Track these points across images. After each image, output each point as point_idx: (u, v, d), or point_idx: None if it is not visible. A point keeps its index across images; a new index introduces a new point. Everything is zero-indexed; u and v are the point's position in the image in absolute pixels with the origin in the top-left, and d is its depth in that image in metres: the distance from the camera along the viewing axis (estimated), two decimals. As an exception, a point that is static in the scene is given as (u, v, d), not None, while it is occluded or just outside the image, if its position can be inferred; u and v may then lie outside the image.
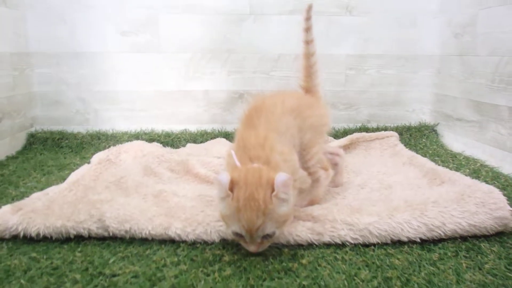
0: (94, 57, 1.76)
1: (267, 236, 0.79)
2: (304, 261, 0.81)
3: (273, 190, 0.77)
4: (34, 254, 0.83)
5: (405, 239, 0.88)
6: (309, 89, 1.15)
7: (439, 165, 1.45)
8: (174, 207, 0.97)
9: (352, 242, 0.88)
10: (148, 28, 1.75)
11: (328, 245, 0.88)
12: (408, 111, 1.93)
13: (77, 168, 1.29)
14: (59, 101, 1.79)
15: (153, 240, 0.90)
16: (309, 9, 1.14)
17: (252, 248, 0.80)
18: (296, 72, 1.82)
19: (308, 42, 1.15)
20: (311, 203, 1.04)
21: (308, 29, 1.14)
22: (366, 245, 0.88)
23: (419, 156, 1.41)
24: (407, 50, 1.87)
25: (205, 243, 0.89)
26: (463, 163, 1.45)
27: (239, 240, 0.81)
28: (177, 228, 0.89)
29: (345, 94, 1.89)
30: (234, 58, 1.81)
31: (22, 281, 0.74)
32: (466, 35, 1.60)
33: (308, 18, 1.13)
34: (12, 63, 1.60)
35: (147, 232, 0.89)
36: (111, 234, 0.89)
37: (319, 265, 0.80)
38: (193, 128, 1.83)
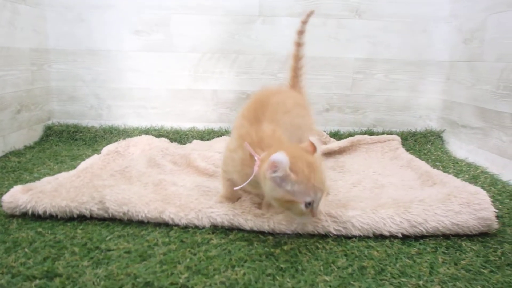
0: (109, 55, 1.85)
1: None
2: (286, 248, 0.85)
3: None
4: (40, 229, 0.91)
5: (387, 234, 0.92)
6: (295, 89, 1.20)
7: (439, 170, 1.47)
8: (171, 195, 1.03)
9: (334, 233, 0.92)
10: (161, 28, 1.84)
11: (312, 235, 0.92)
12: (415, 117, 1.94)
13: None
14: (75, 96, 1.89)
15: (148, 222, 0.96)
16: (310, 14, 1.19)
17: (319, 210, 0.84)
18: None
19: (299, 45, 1.20)
20: None
21: (301, 32, 1.19)
22: (348, 237, 0.92)
23: (417, 159, 1.43)
24: (416, 55, 1.88)
25: (196, 227, 0.94)
26: (463, 169, 1.46)
27: (304, 214, 0.82)
28: (171, 213, 0.95)
29: (351, 98, 1.92)
30: (242, 59, 1.87)
31: (26, 250, 0.82)
32: (474, 41, 1.61)
33: (305, 22, 1.19)
34: (31, 59, 1.71)
35: (143, 215, 0.95)
36: (110, 215, 0.96)
37: (300, 252, 0.84)
38: (201, 126, 1.90)
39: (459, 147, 1.71)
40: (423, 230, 0.92)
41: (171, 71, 1.88)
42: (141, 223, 0.96)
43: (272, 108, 0.98)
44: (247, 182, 0.87)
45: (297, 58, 1.21)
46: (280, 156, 0.76)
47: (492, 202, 1.12)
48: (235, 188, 0.92)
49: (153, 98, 1.90)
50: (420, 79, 1.90)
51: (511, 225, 1.01)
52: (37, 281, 0.71)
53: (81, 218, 0.97)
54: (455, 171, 1.45)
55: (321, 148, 1.27)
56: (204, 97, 1.91)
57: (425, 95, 1.92)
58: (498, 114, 1.46)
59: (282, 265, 0.78)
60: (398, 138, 1.66)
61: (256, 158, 0.86)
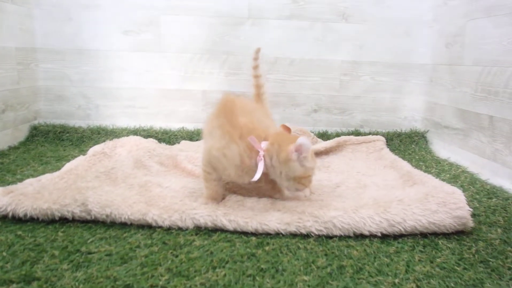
0: (98, 54, 1.85)
1: None
2: (268, 248, 0.87)
3: None
4: (20, 232, 0.91)
5: (367, 233, 0.94)
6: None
7: (422, 170, 1.50)
8: (155, 196, 1.04)
9: (316, 233, 0.94)
10: (150, 28, 1.84)
11: (294, 235, 0.94)
12: (400, 118, 1.97)
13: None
14: (62, 96, 1.89)
15: (132, 224, 0.97)
16: (258, 51, 1.30)
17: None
18: (292, 75, 1.91)
19: (257, 76, 1.29)
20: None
21: (256, 67, 1.29)
22: (329, 237, 0.94)
23: (400, 159, 1.46)
24: (401, 58, 1.92)
25: (180, 229, 0.95)
26: (445, 168, 1.50)
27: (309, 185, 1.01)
28: (154, 214, 0.96)
29: (339, 99, 1.95)
30: (232, 60, 1.89)
31: (5, 253, 0.81)
32: (456, 45, 1.65)
33: (256, 58, 1.29)
34: (17, 58, 1.70)
35: (126, 217, 0.96)
36: (93, 217, 0.96)
37: (281, 252, 0.86)
38: (190, 126, 1.91)
39: (442, 147, 1.75)
40: (402, 229, 0.94)
41: (160, 71, 1.88)
42: (124, 225, 0.97)
43: (241, 108, 1.06)
44: (259, 172, 0.96)
45: (258, 86, 1.30)
46: (305, 140, 0.92)
47: (470, 200, 1.16)
48: (253, 180, 0.97)
49: (142, 98, 1.90)
50: (404, 81, 1.94)
51: (487, 223, 1.04)
52: (14, 285, 0.71)
53: (63, 221, 0.97)
54: (437, 170, 1.48)
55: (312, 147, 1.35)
56: (194, 97, 1.92)
57: (409, 96, 1.95)
58: (477, 116, 1.49)
59: (263, 266, 0.80)
60: (383, 138, 1.69)
61: (259, 150, 0.97)
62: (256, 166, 0.97)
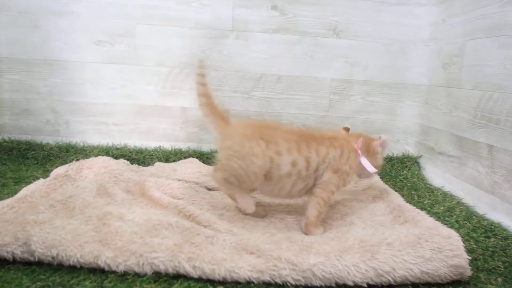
0: (68, 66, 1.72)
1: None
2: (235, 303, 0.75)
3: None
4: None
5: (351, 284, 0.82)
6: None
7: (415, 199, 1.40)
8: (113, 233, 0.92)
9: (293, 283, 0.82)
10: (125, 39, 1.72)
11: (268, 284, 0.82)
12: (392, 141, 1.86)
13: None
14: (29, 110, 1.75)
15: (82, 268, 0.84)
16: (202, 64, 1.19)
17: None
18: (278, 93, 1.80)
19: (204, 95, 1.18)
20: None
21: (203, 84, 1.17)
22: (308, 287, 0.82)
23: (391, 190, 1.35)
24: (395, 78, 1.82)
25: (137, 274, 0.83)
26: (439, 199, 1.39)
27: None
28: (107, 258, 0.83)
29: (328, 119, 1.84)
30: (214, 75, 1.77)
31: None
32: (453, 66, 1.55)
33: (201, 74, 1.18)
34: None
35: (75, 260, 0.83)
36: (37, 259, 0.84)
37: (250, 308, 0.74)
38: (168, 145, 1.79)
39: (436, 174, 1.64)
40: (391, 279, 0.83)
41: (136, 86, 1.76)
42: (74, 268, 0.84)
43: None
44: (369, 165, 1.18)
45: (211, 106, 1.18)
46: (387, 138, 1.22)
47: (466, 240, 1.05)
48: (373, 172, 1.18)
49: (115, 114, 1.77)
50: (398, 102, 1.84)
51: (485, 270, 0.94)
52: None
53: (3, 262, 0.84)
54: (430, 201, 1.37)
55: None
56: (173, 115, 1.80)
57: (403, 118, 1.85)
58: (475, 144, 1.38)
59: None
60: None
61: (357, 149, 1.18)
62: None
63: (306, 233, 1.06)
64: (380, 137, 1.24)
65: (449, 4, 1.60)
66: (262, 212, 1.17)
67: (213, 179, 1.15)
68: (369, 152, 1.21)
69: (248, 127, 1.12)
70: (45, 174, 1.42)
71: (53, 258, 0.83)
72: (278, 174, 1.06)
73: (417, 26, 1.77)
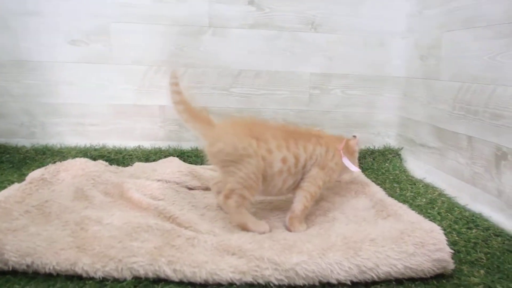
0: (41, 66, 1.66)
1: None
2: (217, 307, 0.73)
3: None
4: None
5: (335, 282, 0.82)
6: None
7: (397, 192, 1.40)
8: (90, 238, 0.89)
9: (276, 283, 0.81)
10: (100, 38, 1.67)
11: (250, 285, 0.81)
12: (373, 134, 1.87)
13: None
14: (3, 113, 1.68)
15: (58, 275, 0.81)
16: (174, 74, 1.13)
17: None
18: (257, 89, 1.78)
19: (180, 103, 1.14)
20: None
21: (178, 92, 1.14)
22: (291, 287, 0.81)
23: (373, 184, 1.35)
24: (373, 71, 1.82)
25: (116, 280, 0.81)
26: (421, 191, 1.39)
27: None
28: (85, 264, 0.81)
29: (309, 114, 1.83)
30: (192, 72, 1.74)
31: None
32: (431, 58, 1.55)
33: (175, 83, 1.13)
34: None
35: (51, 267, 0.80)
36: (10, 268, 0.81)
37: (232, 311, 0.72)
38: (147, 144, 1.75)
39: (417, 166, 1.65)
40: (374, 275, 0.83)
41: (112, 85, 1.72)
42: (50, 276, 0.81)
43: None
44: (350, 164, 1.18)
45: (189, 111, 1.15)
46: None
47: (449, 232, 1.06)
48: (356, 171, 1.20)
49: (93, 114, 1.73)
50: (377, 95, 1.84)
51: (468, 262, 0.94)
52: None
53: (-24, 272, 0.81)
54: (412, 193, 1.38)
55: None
56: (151, 113, 1.76)
57: (383, 111, 1.85)
58: (454, 135, 1.40)
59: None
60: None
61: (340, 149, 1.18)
62: None
63: (289, 228, 1.05)
64: (355, 136, 1.28)
65: (426, -4, 1.61)
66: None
67: (225, 208, 1.09)
68: (348, 151, 1.22)
69: (235, 126, 1.09)
70: (21, 178, 1.37)
71: (28, 266, 0.81)
72: (271, 172, 1.05)
73: (394, 18, 1.77)
